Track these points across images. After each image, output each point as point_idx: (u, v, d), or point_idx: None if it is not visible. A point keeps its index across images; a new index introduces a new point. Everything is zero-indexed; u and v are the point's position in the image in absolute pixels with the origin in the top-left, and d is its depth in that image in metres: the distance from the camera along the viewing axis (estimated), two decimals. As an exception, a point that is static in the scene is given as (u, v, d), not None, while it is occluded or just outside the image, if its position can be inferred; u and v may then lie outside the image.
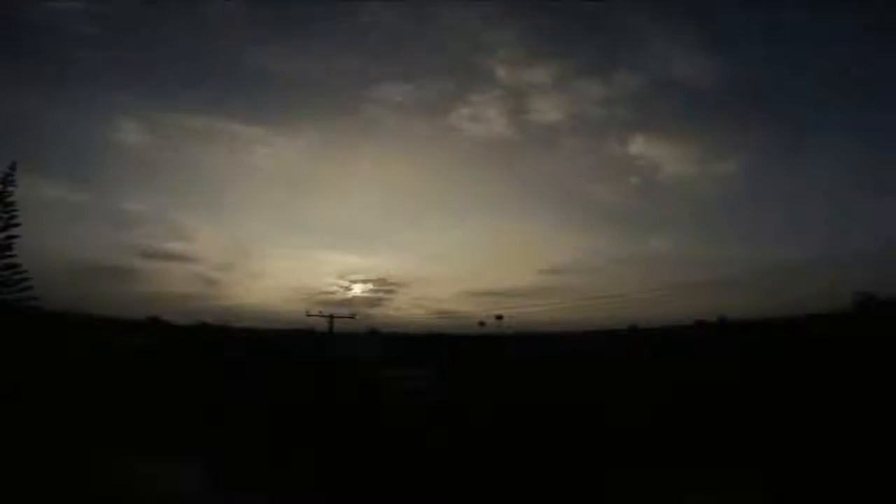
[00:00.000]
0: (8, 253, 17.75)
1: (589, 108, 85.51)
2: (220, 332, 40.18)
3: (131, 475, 13.06)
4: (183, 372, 24.48)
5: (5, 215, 17.70)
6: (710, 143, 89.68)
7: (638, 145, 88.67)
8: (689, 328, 51.97)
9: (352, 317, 37.59)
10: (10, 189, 18.02)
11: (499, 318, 77.41)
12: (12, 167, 18.25)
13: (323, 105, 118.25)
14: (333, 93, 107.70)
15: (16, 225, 17.91)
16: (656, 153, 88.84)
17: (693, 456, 14.34)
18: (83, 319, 40.67)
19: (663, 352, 37.45)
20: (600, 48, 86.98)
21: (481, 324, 78.92)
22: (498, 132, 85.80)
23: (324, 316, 36.08)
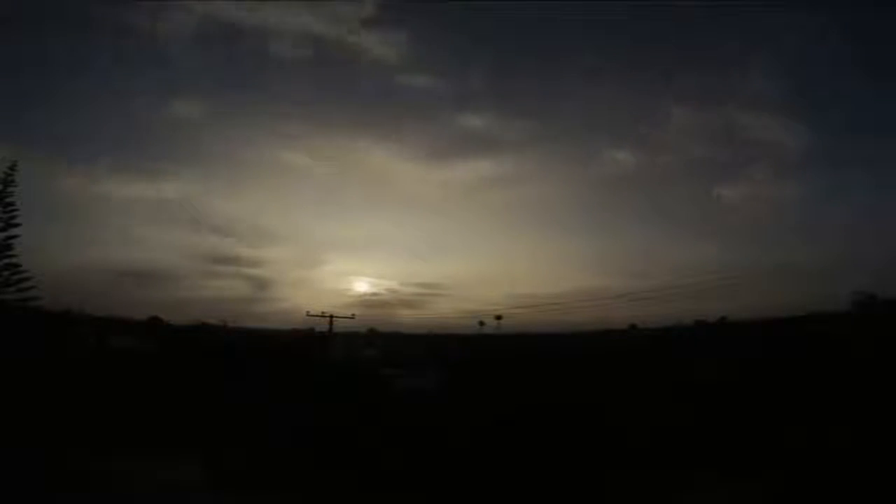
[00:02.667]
0: (8, 253, 17.72)
1: (696, 155, 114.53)
2: (219, 331, 40.23)
3: (129, 475, 13.06)
4: (183, 372, 24.49)
5: (5, 215, 17.66)
6: (772, 182, 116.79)
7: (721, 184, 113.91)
8: (689, 328, 52.19)
9: (351, 317, 37.62)
10: (10, 189, 17.98)
11: (498, 318, 77.78)
12: (12, 167, 18.21)
13: (477, 147, 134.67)
14: (488, 139, 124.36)
15: (16, 225, 17.87)
16: (730, 190, 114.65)
17: (692, 456, 14.35)
18: (83, 319, 40.63)
19: (663, 351, 37.49)
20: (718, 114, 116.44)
21: (481, 324, 79.25)
22: (619, 170, 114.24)
23: (324, 316, 36.09)
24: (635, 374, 25.16)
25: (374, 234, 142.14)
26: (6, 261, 17.56)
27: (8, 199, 17.66)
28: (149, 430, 16.48)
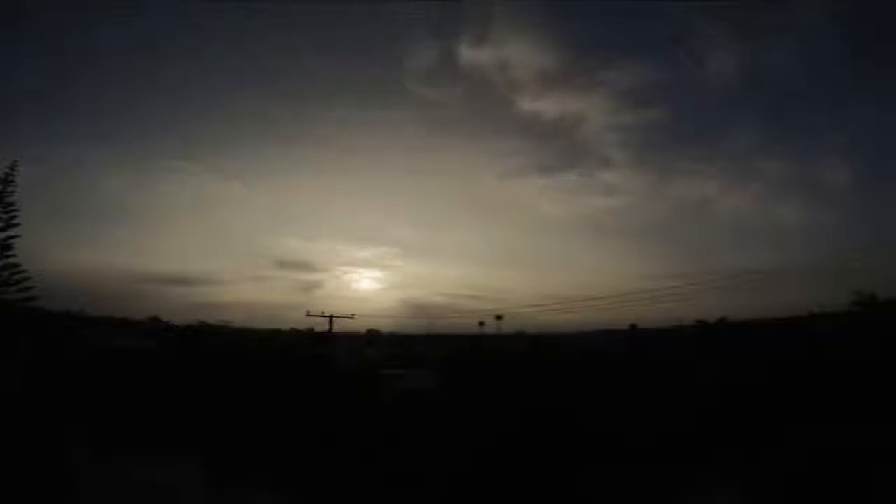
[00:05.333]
0: (8, 253, 17.75)
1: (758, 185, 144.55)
2: (219, 331, 40.22)
3: (130, 475, 13.06)
4: (182, 371, 24.48)
5: (5, 215, 17.69)
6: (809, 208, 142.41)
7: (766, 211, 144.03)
8: (689, 328, 52.13)
9: (351, 317, 37.54)
10: (10, 189, 18.01)
11: (499, 318, 77.72)
12: (13, 166, 18.24)
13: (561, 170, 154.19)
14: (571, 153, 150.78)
15: (16, 225, 17.90)
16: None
17: (692, 456, 14.34)
18: (83, 319, 40.62)
19: (664, 351, 37.48)
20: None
21: (481, 324, 79.20)
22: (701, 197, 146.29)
23: (324, 316, 36.02)
24: (636, 374, 25.15)
25: (457, 243, 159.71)
26: (6, 261, 17.57)
27: (8, 199, 17.69)
28: (149, 429, 16.47)
